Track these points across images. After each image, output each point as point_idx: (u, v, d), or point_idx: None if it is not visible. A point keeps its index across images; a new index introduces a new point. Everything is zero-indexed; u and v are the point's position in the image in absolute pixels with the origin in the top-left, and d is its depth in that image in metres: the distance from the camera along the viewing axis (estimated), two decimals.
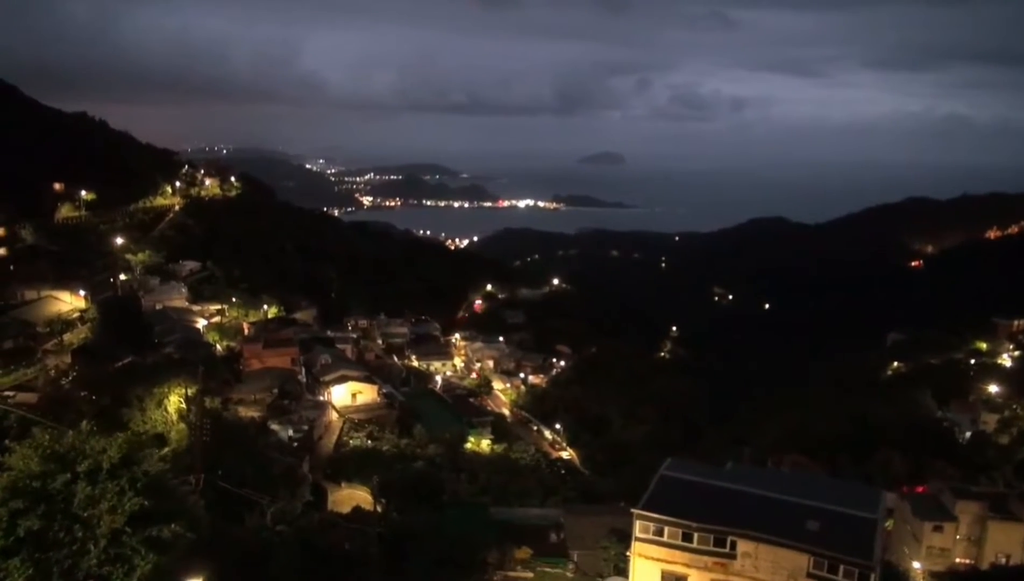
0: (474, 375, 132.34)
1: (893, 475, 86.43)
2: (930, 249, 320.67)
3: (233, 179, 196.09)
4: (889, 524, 60.69)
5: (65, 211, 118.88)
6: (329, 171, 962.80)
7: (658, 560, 37.36)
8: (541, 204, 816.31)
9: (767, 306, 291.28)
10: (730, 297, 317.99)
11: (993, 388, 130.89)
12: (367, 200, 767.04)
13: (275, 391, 69.44)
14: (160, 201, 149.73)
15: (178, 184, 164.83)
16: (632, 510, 38.42)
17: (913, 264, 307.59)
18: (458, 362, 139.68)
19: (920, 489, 73.96)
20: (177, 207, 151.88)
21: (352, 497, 54.32)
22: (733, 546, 35.99)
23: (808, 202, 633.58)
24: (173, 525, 20.03)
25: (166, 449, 44.18)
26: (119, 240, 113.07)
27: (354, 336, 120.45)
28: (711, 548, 36.35)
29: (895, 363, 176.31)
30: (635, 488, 45.15)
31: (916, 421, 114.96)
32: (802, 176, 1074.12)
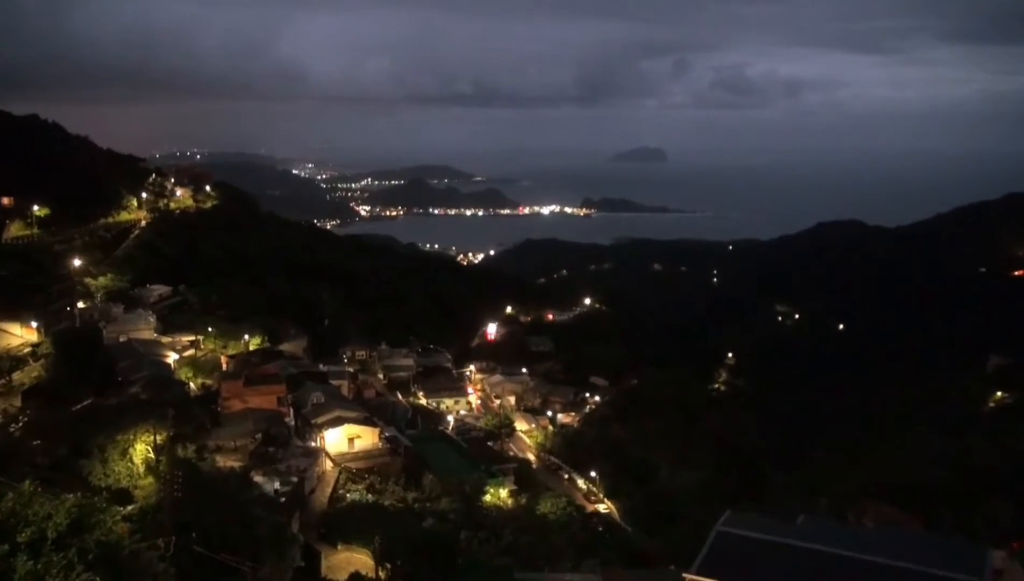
0: (474, 404, 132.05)
1: (1001, 529, 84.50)
2: None
3: (208, 188, 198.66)
4: None
5: (14, 229, 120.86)
6: (320, 177, 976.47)
7: None
8: (569, 210, 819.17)
9: (841, 327, 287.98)
10: (796, 316, 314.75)
11: None
12: (365, 209, 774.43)
13: (259, 436, 69.54)
14: (124, 216, 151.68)
15: (145, 195, 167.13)
16: (684, 575, 37.75)
17: (1016, 273, 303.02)
18: (474, 399, 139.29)
19: None
20: (144, 222, 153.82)
21: (350, 561, 54.09)
22: None
23: (886, 201, 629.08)
24: None
25: (131, 507, 44.31)
26: (77, 262, 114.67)
27: (351, 370, 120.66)
28: None
29: (999, 393, 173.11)
30: (687, 547, 44.54)
31: None
32: (878, 171, 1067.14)
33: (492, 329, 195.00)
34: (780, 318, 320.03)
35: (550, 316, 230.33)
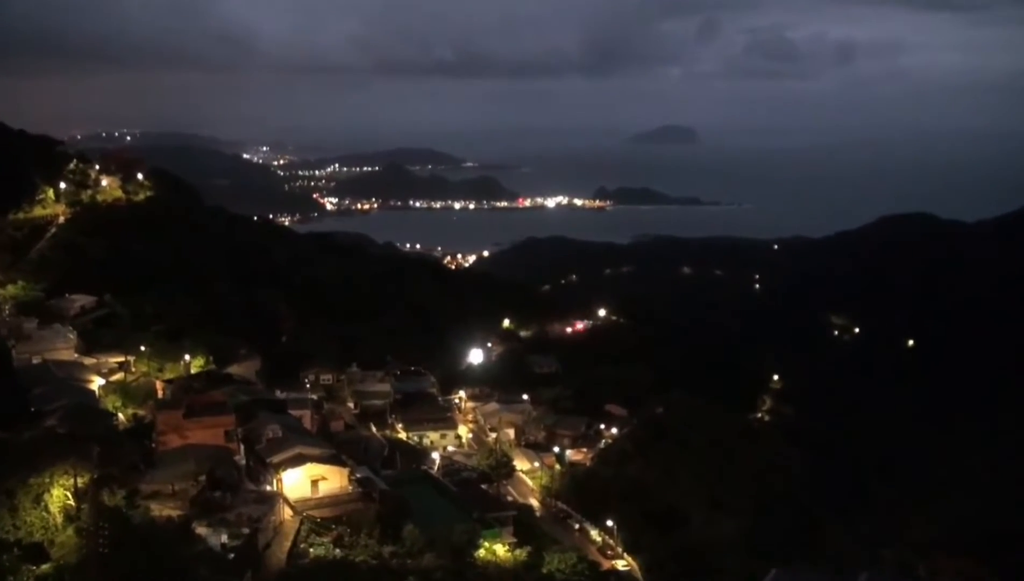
0: (465, 438, 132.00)
1: None
2: None
3: (141, 177, 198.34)
4: None
5: None
6: (277, 162, 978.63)
7: None
8: (579, 202, 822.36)
9: (910, 343, 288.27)
10: (856, 330, 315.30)
11: None
12: (331, 202, 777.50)
13: (202, 479, 69.34)
14: (38, 210, 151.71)
15: (64, 186, 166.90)
16: None
17: None
18: (464, 432, 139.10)
19: None
20: (62, 218, 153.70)
21: None
22: None
23: (963, 191, 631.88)
24: None
25: (46, 565, 44.12)
26: None
27: (315, 397, 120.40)
28: None
29: None
30: None
31: None
32: (952, 154, 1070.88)
33: (478, 355, 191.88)
34: (836, 332, 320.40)
35: (579, 327, 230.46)
